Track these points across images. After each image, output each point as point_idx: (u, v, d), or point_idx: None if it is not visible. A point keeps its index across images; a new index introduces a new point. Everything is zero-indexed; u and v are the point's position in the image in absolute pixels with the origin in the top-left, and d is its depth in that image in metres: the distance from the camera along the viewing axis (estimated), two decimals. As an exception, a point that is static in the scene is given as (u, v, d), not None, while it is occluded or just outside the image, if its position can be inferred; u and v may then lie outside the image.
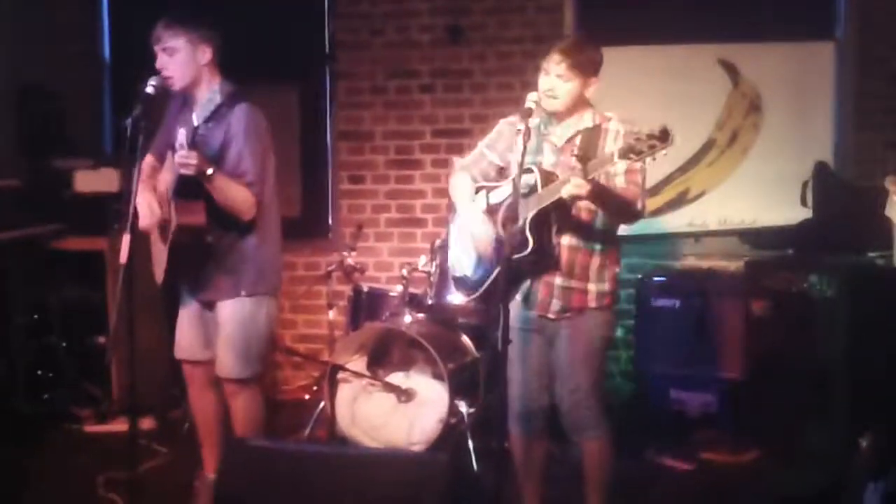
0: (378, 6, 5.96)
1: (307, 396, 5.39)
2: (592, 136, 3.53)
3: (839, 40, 5.58)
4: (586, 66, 3.51)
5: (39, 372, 5.39)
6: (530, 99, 3.48)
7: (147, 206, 3.80)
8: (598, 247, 3.58)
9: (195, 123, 3.47)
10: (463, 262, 3.77)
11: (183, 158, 3.51)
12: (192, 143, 3.49)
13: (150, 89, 3.59)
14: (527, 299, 3.61)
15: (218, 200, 3.67)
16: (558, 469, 3.93)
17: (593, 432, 3.64)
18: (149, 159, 3.89)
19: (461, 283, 3.81)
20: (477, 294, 3.66)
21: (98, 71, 6.34)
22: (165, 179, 3.73)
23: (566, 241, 3.54)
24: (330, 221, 6.19)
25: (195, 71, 3.79)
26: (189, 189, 3.63)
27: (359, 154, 6.06)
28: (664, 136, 3.10)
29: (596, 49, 3.59)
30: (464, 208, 3.73)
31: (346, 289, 5.36)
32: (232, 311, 3.87)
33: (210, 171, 3.58)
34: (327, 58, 6.08)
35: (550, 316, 3.59)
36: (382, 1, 5.96)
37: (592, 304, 3.58)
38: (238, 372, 3.90)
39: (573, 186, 3.27)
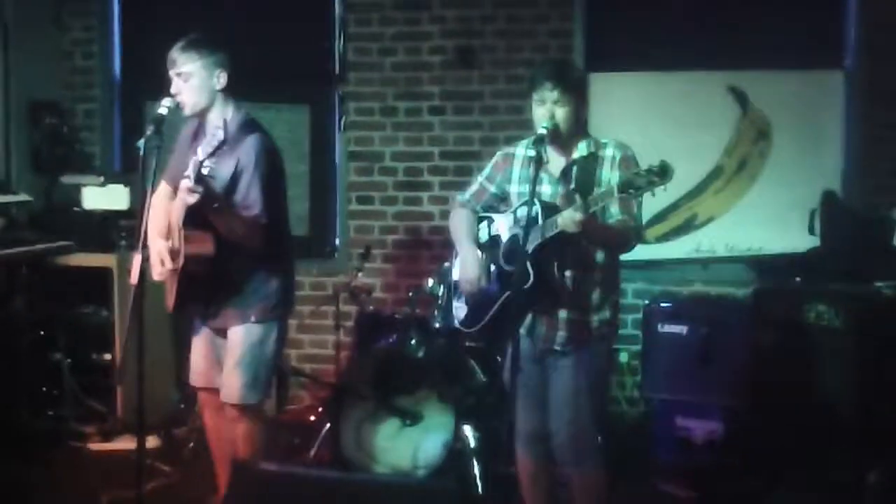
0: (389, 27, 5.98)
1: (312, 417, 5.37)
2: (588, 164, 3.53)
3: (849, 69, 5.59)
4: (578, 87, 3.56)
5: (44, 388, 5.38)
6: (541, 126, 3.49)
7: (157, 258, 3.82)
8: (599, 277, 3.58)
9: (200, 157, 3.46)
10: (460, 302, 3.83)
11: (188, 189, 3.49)
12: (199, 176, 3.48)
13: (163, 111, 3.61)
14: (531, 332, 3.60)
15: (223, 232, 3.66)
16: (564, 493, 3.90)
17: (588, 466, 3.62)
18: (164, 187, 3.89)
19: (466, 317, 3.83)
20: (478, 327, 3.66)
21: (108, 88, 6.36)
22: (177, 208, 3.74)
23: (569, 273, 3.53)
24: (337, 242, 6.19)
25: (210, 96, 3.79)
26: (198, 219, 3.63)
27: (367, 175, 6.06)
28: (663, 172, 3.11)
29: (580, 70, 3.63)
30: (459, 249, 3.79)
31: (353, 310, 5.36)
32: (241, 337, 3.87)
33: (216, 204, 3.58)
34: (337, 78, 6.10)
35: (556, 348, 3.58)
36: (393, 22, 5.97)
37: (594, 334, 3.57)
38: (243, 397, 3.88)
39: (569, 219, 3.27)
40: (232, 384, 3.88)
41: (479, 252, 3.72)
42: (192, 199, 3.48)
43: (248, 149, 3.73)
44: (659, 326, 5.15)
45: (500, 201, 3.77)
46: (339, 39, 6.10)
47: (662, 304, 5.23)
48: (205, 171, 3.54)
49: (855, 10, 5.57)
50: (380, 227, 6.06)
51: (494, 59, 5.86)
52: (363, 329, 5.06)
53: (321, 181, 6.23)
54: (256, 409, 3.95)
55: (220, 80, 3.80)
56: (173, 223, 3.80)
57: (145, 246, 3.52)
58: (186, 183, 3.48)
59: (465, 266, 3.73)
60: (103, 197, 5.54)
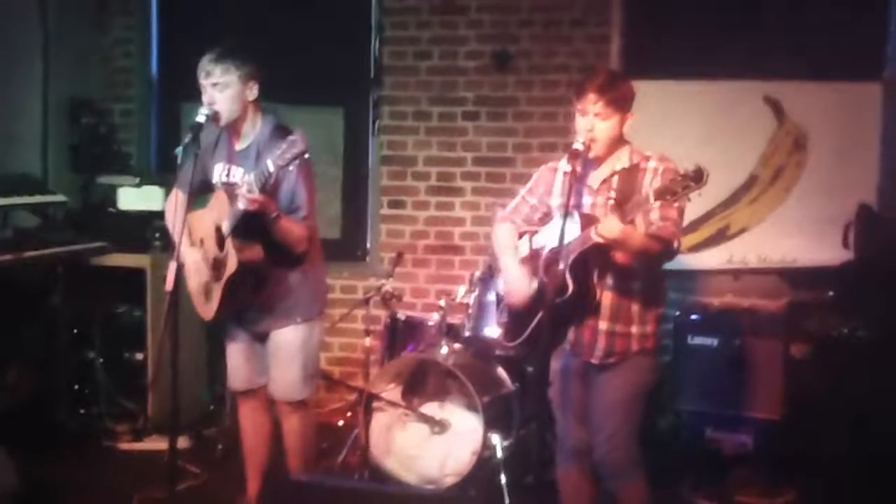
0: (425, 31, 5.98)
1: (340, 422, 5.39)
2: (629, 175, 3.50)
3: (887, 80, 5.53)
4: (622, 103, 3.49)
5: (77, 386, 5.44)
6: (579, 141, 3.47)
7: (195, 269, 3.92)
8: (639, 288, 3.55)
9: (271, 168, 3.48)
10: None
11: (249, 199, 3.53)
12: (263, 185, 3.52)
13: (201, 118, 3.68)
14: (575, 345, 3.60)
15: (277, 238, 3.72)
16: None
17: (630, 477, 3.61)
18: (180, 195, 3.90)
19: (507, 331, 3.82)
20: (520, 340, 3.65)
21: (145, 89, 6.41)
22: (219, 217, 3.77)
23: (609, 284, 3.52)
24: (368, 245, 6.21)
25: (243, 106, 3.83)
26: (246, 226, 3.67)
27: (400, 179, 6.07)
28: (698, 177, 3.09)
29: (628, 84, 3.57)
30: (503, 261, 3.76)
31: (383, 314, 5.36)
32: (289, 338, 3.96)
33: (275, 213, 3.63)
34: (372, 81, 6.12)
35: (594, 361, 3.56)
36: (430, 26, 5.98)
37: (635, 347, 3.55)
38: (297, 393, 4.01)
39: (606, 228, 3.27)
40: (286, 382, 4.00)
41: (521, 265, 3.70)
42: (253, 207, 3.54)
43: (286, 153, 3.75)
44: (690, 338, 5.13)
45: (543, 215, 3.75)
46: (374, 43, 6.11)
47: (693, 316, 5.21)
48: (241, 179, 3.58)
49: (894, 21, 5.50)
50: (411, 231, 6.07)
51: (530, 64, 5.84)
52: (393, 335, 5.07)
53: (354, 184, 6.25)
54: (306, 403, 4.08)
55: (253, 90, 3.84)
56: (209, 232, 3.83)
57: (181, 253, 3.56)
58: (250, 194, 3.52)
59: (508, 279, 3.72)
60: (138, 197, 5.59)
